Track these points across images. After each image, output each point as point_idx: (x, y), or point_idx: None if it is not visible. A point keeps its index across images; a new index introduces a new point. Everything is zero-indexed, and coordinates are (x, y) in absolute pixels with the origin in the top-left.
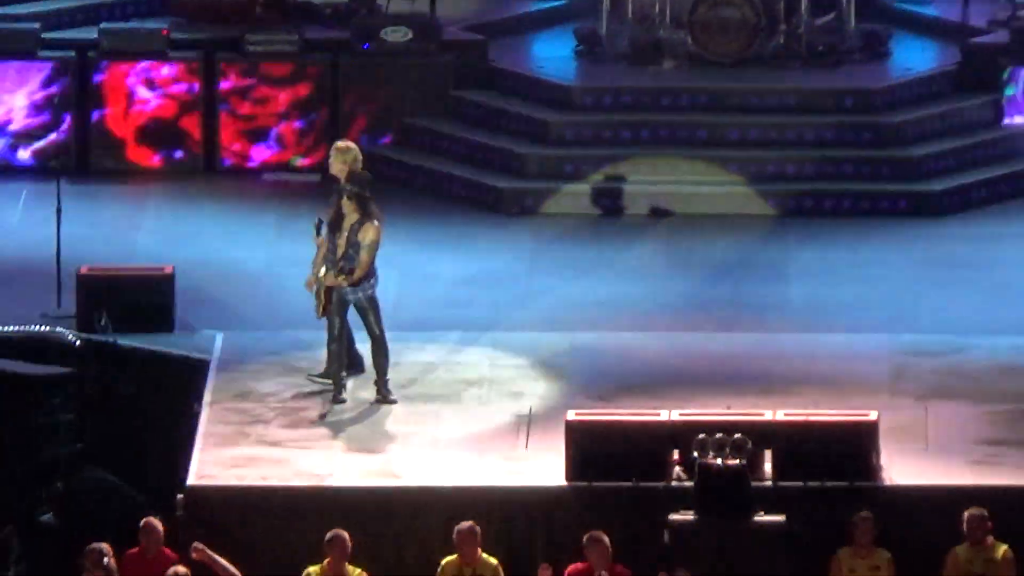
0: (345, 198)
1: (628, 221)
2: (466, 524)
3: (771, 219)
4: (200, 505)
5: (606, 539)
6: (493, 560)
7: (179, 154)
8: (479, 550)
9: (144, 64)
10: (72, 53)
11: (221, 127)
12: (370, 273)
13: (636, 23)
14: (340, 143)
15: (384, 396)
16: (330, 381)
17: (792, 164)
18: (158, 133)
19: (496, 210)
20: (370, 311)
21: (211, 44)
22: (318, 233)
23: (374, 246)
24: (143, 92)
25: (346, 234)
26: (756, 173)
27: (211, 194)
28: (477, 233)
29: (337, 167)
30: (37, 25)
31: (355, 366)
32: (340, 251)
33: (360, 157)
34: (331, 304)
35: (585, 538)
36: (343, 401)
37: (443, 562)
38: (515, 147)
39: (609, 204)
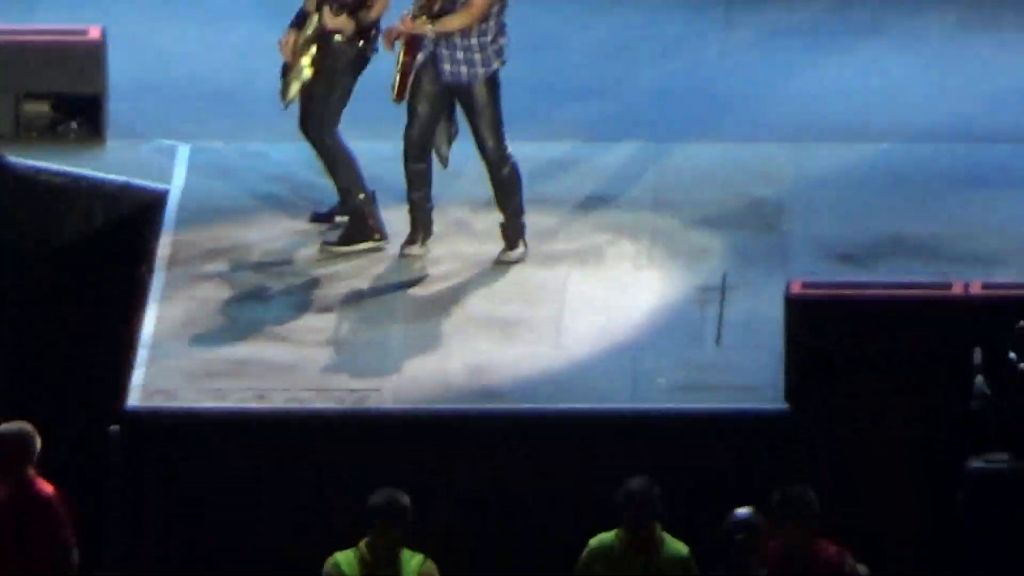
0: None
1: None
2: None
3: None
4: (145, 438)
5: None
6: None
7: None
8: None
9: None
10: None
11: None
12: (486, 31)
13: None
14: None
15: (512, 244)
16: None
17: None
18: None
19: None
20: (486, 106)
21: None
22: None
23: None
24: None
25: None
26: None
27: None
28: None
29: None
30: None
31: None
32: None
33: None
34: (414, 86)
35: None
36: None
37: None
38: None
39: None
